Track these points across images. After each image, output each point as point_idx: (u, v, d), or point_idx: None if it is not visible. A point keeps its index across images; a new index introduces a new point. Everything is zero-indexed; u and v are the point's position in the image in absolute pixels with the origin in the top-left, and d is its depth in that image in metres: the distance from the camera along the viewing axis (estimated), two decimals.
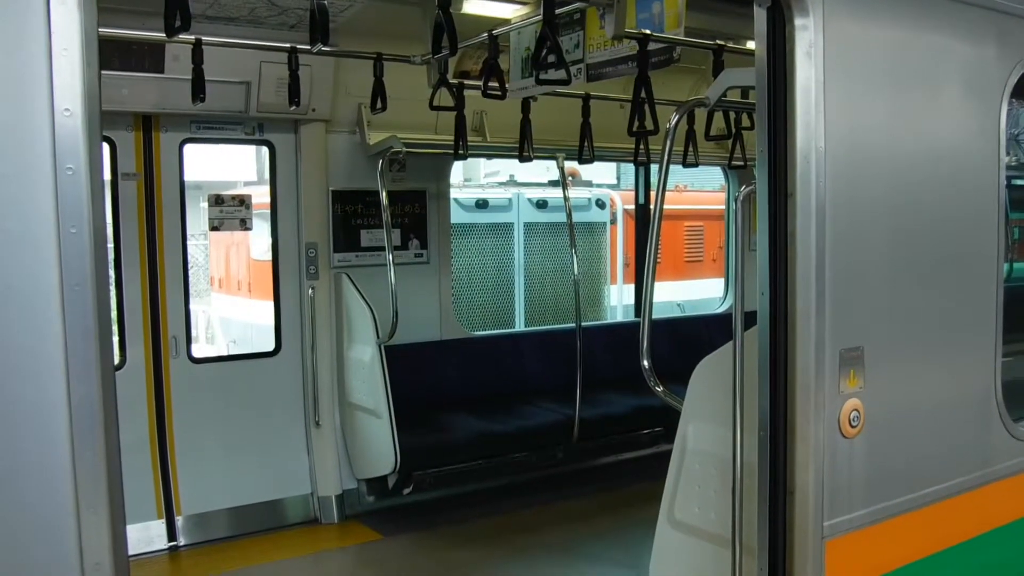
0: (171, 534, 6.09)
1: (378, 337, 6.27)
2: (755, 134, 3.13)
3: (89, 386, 2.03)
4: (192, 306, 6.53)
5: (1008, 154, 3.73)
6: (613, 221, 11.80)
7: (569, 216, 7.22)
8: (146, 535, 5.97)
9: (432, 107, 5.70)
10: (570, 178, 9.89)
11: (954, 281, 3.52)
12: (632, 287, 11.02)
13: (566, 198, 7.23)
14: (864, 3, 3.18)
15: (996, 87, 3.62)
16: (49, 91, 1.96)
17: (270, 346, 6.68)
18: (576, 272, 7.27)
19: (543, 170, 11.58)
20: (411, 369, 6.89)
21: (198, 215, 10.92)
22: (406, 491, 6.49)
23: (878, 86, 3.21)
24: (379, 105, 5.62)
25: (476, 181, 13.04)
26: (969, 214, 3.56)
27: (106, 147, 5.81)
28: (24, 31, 1.95)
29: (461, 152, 6.14)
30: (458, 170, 11.11)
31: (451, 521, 6.59)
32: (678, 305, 11.90)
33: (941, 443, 3.47)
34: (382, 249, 6.57)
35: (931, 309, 3.42)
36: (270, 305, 6.72)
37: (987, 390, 3.63)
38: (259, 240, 9.49)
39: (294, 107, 5.52)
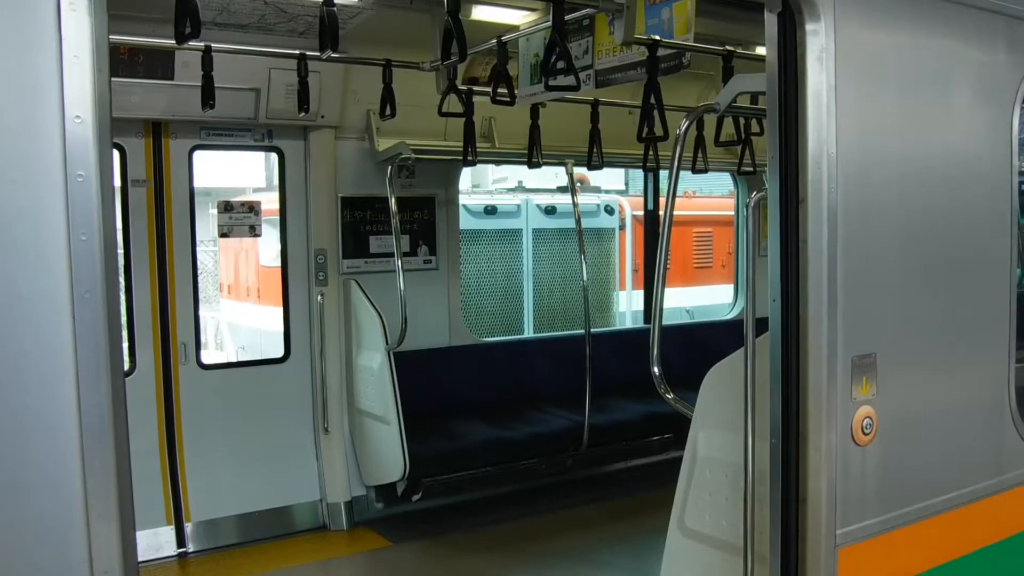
0: (180, 540, 6.08)
1: (387, 343, 6.26)
2: (765, 140, 3.11)
3: (99, 393, 2.03)
4: (201, 312, 6.54)
5: (1020, 159, 3.70)
6: (622, 227, 11.77)
7: (578, 222, 7.20)
8: (155, 541, 5.97)
9: (441, 113, 5.70)
10: (579, 184, 9.87)
11: (967, 287, 3.49)
12: (641, 293, 10.99)
13: (575, 204, 7.22)
14: (875, 8, 3.17)
15: (1008, 92, 3.60)
16: (60, 98, 1.96)
17: (279, 352, 6.68)
18: (585, 278, 7.26)
19: (552, 176, 11.60)
20: (420, 376, 6.88)
21: (207, 221, 10.93)
22: (415, 498, 6.46)
23: (889, 91, 3.19)
24: (388, 111, 5.63)
25: (485, 187, 13.04)
26: (982, 219, 3.54)
27: (116, 154, 5.83)
28: (35, 38, 1.95)
29: (470, 158, 6.14)
30: (466, 176, 11.10)
31: (460, 528, 6.57)
32: (687, 311, 11.87)
33: (954, 451, 3.44)
34: (391, 255, 6.57)
35: (944, 315, 3.39)
36: (279, 311, 6.72)
37: (1001, 397, 3.60)
38: (268, 246, 9.50)
39: (303, 114, 5.53)
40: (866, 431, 3.08)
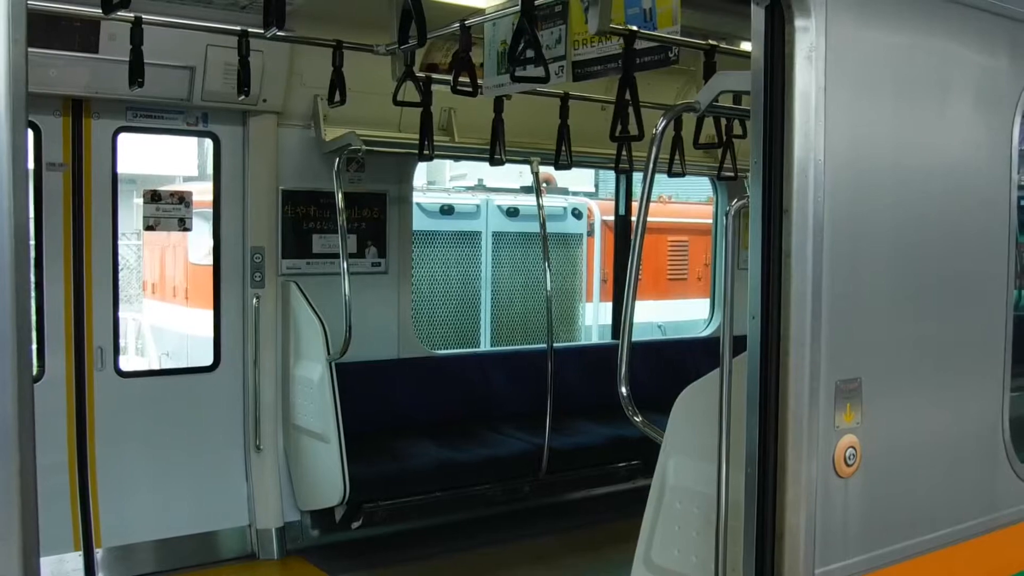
0: (89, 568, 5.98)
1: (328, 353, 6.23)
2: (748, 143, 3.14)
3: (4, 399, 1.99)
4: (121, 313, 6.48)
5: (1020, 172, 3.77)
6: (590, 233, 11.85)
7: (543, 226, 7.22)
8: (60, 569, 5.86)
9: (396, 102, 5.69)
10: (544, 184, 9.91)
11: (961, 308, 3.55)
12: (609, 305, 11.07)
13: (540, 206, 7.24)
14: (870, 5, 3.22)
15: (1008, 100, 3.67)
16: None
17: (208, 360, 6.62)
18: (549, 288, 7.27)
19: (515, 175, 11.64)
20: (364, 390, 6.86)
21: (131, 212, 10.81)
22: (355, 525, 6.43)
23: (883, 95, 3.24)
24: (337, 98, 5.62)
25: (441, 185, 13.04)
26: (978, 236, 3.61)
27: (30, 133, 5.74)
28: None
29: (426, 153, 6.14)
30: (421, 172, 11.10)
31: (404, 559, 6.56)
32: (659, 327, 11.96)
33: (944, 485, 3.49)
34: (336, 256, 6.54)
35: (935, 338, 3.45)
36: (209, 315, 6.66)
37: (994, 428, 3.66)
38: (199, 242, 9.42)
39: (243, 97, 5.50)
40: (849, 462, 3.11)
